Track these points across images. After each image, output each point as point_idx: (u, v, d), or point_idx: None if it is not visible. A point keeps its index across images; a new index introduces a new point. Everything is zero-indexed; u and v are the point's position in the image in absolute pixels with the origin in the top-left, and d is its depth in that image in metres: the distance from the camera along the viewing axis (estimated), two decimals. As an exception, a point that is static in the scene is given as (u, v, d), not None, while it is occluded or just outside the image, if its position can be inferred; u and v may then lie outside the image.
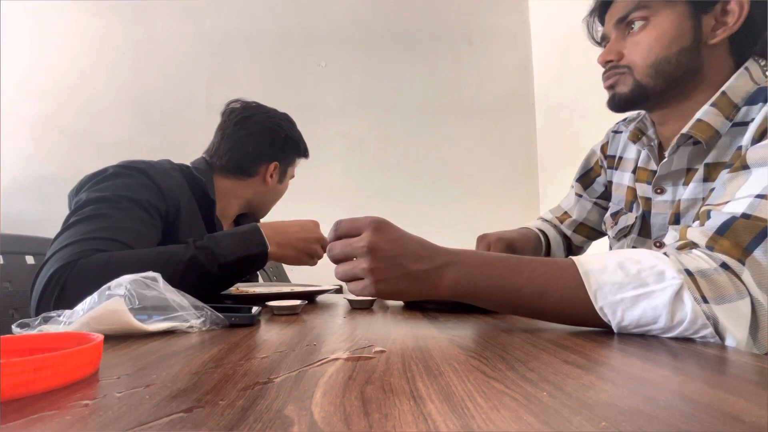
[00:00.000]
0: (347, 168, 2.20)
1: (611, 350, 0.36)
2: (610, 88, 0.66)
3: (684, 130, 0.60)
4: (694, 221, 0.55)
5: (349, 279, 0.48)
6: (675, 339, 0.40)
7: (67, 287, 0.60)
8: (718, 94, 0.58)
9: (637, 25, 0.62)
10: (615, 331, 0.42)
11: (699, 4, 0.59)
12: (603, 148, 0.85)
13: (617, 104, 0.66)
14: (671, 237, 0.59)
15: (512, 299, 0.46)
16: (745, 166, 0.49)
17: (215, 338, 0.44)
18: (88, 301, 0.45)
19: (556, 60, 2.09)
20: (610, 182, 0.83)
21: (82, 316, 0.42)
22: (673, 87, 0.61)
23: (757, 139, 0.51)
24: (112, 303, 0.43)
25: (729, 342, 0.39)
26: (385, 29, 2.27)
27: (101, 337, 0.31)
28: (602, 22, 0.69)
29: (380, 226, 0.47)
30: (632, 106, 0.66)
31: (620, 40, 0.64)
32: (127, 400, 0.24)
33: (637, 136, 0.72)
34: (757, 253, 0.41)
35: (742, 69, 0.58)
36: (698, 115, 0.59)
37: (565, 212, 0.94)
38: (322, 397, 0.24)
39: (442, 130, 2.26)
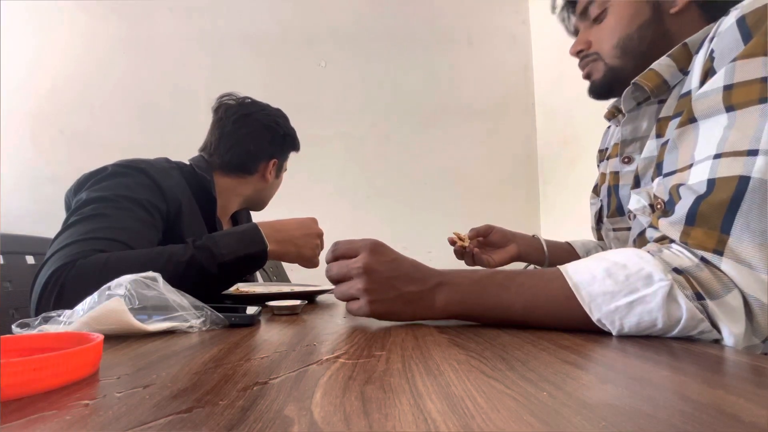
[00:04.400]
0: (347, 168, 2.20)
1: (611, 350, 0.36)
2: (587, 77, 0.68)
3: (634, 80, 0.59)
4: (653, 180, 0.52)
5: (347, 299, 0.50)
6: (675, 339, 0.40)
7: (66, 287, 0.60)
8: (679, 45, 0.56)
9: (599, 13, 0.64)
10: (615, 335, 0.42)
11: None
12: (599, 148, 0.86)
13: (595, 91, 0.67)
14: (634, 201, 0.57)
15: (504, 315, 0.46)
16: (692, 119, 0.46)
17: (215, 338, 0.43)
18: (88, 301, 0.45)
19: (556, 60, 2.09)
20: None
21: (82, 316, 0.42)
22: (644, 62, 0.60)
23: (703, 81, 0.48)
24: (112, 303, 0.43)
25: (726, 335, 0.39)
26: (385, 29, 2.27)
27: (101, 337, 0.31)
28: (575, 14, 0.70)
29: (376, 248, 0.49)
30: (610, 90, 0.66)
31: (586, 30, 0.67)
32: (127, 400, 0.24)
33: (613, 113, 0.72)
34: (734, 232, 0.39)
35: (713, 23, 0.55)
36: (652, 64, 0.58)
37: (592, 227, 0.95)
38: (322, 397, 0.24)
39: (442, 130, 2.26)
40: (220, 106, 0.98)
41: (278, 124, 0.99)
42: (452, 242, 0.86)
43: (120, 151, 1.08)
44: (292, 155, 1.07)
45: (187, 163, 0.93)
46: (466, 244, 0.86)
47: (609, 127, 0.84)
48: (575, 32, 0.72)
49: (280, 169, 1.04)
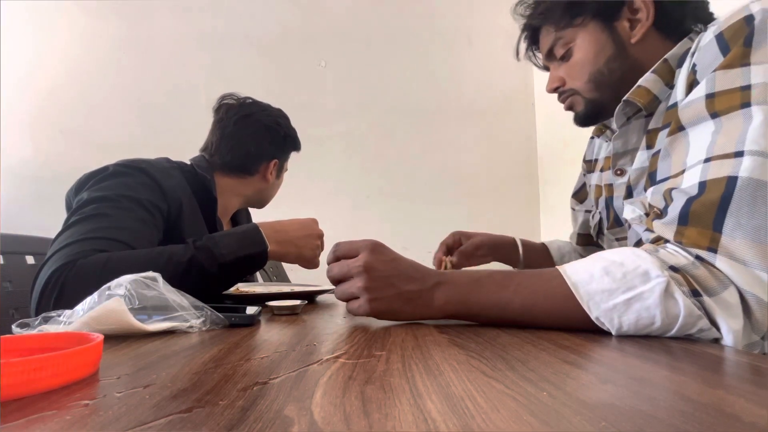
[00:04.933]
0: (347, 168, 2.20)
1: (611, 350, 0.36)
2: (569, 109, 0.70)
3: (625, 97, 0.61)
4: (647, 190, 0.53)
5: (347, 298, 0.51)
6: (674, 339, 0.40)
7: (66, 287, 0.60)
8: (660, 61, 0.58)
9: (564, 53, 0.66)
10: (615, 335, 0.42)
11: (605, 17, 0.62)
12: (584, 158, 0.89)
13: (581, 122, 0.70)
14: (629, 211, 0.59)
15: (502, 314, 0.46)
16: (681, 127, 0.48)
17: (215, 338, 0.44)
18: (88, 301, 0.45)
19: (556, 60, 2.08)
20: (590, 186, 0.86)
21: (82, 316, 0.42)
22: (618, 90, 0.63)
23: (688, 92, 0.50)
24: (112, 303, 0.43)
25: (725, 331, 0.39)
26: (385, 29, 2.27)
27: (101, 337, 0.31)
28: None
29: (376, 248, 0.50)
30: (595, 119, 0.69)
31: (557, 68, 0.69)
32: (127, 400, 0.24)
33: (601, 130, 0.76)
34: (726, 230, 0.40)
35: (686, 39, 0.58)
36: (640, 81, 0.60)
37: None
38: (322, 397, 0.24)
39: (442, 130, 2.26)
40: (221, 107, 0.98)
41: (279, 124, 0.99)
42: (438, 263, 0.88)
43: (120, 151, 1.08)
44: (293, 155, 1.08)
45: (188, 163, 0.93)
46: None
47: (592, 137, 0.86)
48: (545, 68, 0.74)
49: (281, 170, 1.04)
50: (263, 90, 1.28)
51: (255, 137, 0.96)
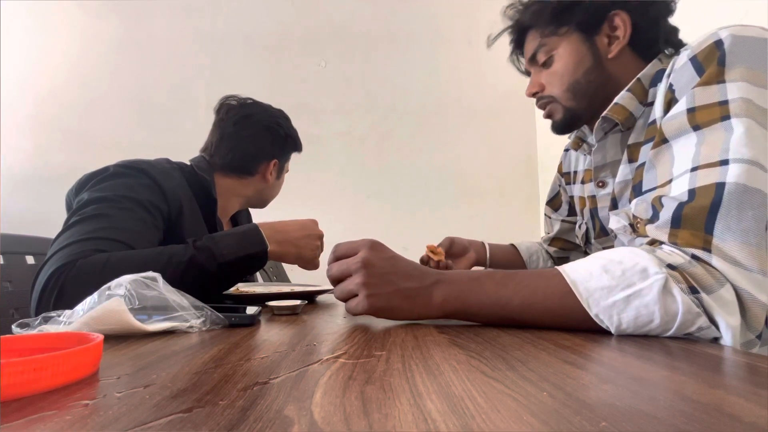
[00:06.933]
0: (347, 168, 2.20)
1: (611, 350, 0.36)
2: (548, 117, 0.74)
3: (603, 114, 0.65)
4: (632, 201, 0.56)
5: (345, 296, 0.51)
6: (673, 339, 0.40)
7: (66, 287, 0.60)
8: (633, 80, 0.63)
9: (546, 59, 0.70)
10: (615, 334, 0.42)
11: (587, 30, 0.66)
12: (559, 169, 0.94)
13: (558, 129, 0.74)
14: (614, 221, 0.62)
15: (501, 312, 0.47)
16: (665, 140, 0.51)
17: (215, 338, 0.44)
18: (88, 301, 0.45)
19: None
20: (572, 197, 0.90)
21: (82, 316, 0.42)
22: (593, 101, 0.68)
23: (666, 110, 0.54)
24: (112, 303, 0.43)
25: (723, 328, 0.39)
26: (385, 29, 2.27)
27: (101, 337, 0.31)
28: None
29: (375, 245, 0.51)
30: (570, 128, 0.74)
31: (538, 74, 0.73)
32: (127, 400, 0.24)
33: (578, 144, 0.80)
34: (717, 233, 0.42)
35: (655, 60, 0.64)
36: (616, 99, 0.64)
37: (546, 232, 1.05)
38: (322, 397, 0.24)
39: (442, 130, 2.26)
40: (222, 107, 0.98)
41: (279, 125, 0.99)
42: (425, 261, 0.87)
43: (120, 151, 1.09)
44: (293, 155, 1.08)
45: (188, 163, 0.93)
46: (443, 258, 0.88)
47: (567, 150, 0.91)
48: (527, 73, 0.78)
49: (281, 170, 1.04)
50: (263, 90, 1.29)
51: (255, 137, 0.96)
